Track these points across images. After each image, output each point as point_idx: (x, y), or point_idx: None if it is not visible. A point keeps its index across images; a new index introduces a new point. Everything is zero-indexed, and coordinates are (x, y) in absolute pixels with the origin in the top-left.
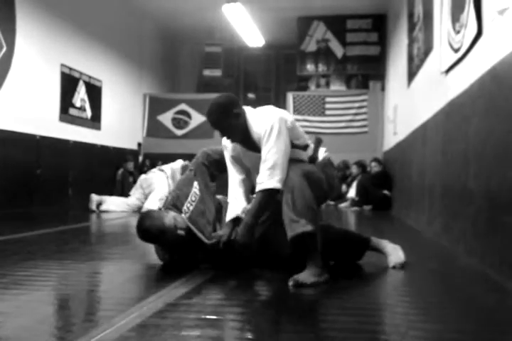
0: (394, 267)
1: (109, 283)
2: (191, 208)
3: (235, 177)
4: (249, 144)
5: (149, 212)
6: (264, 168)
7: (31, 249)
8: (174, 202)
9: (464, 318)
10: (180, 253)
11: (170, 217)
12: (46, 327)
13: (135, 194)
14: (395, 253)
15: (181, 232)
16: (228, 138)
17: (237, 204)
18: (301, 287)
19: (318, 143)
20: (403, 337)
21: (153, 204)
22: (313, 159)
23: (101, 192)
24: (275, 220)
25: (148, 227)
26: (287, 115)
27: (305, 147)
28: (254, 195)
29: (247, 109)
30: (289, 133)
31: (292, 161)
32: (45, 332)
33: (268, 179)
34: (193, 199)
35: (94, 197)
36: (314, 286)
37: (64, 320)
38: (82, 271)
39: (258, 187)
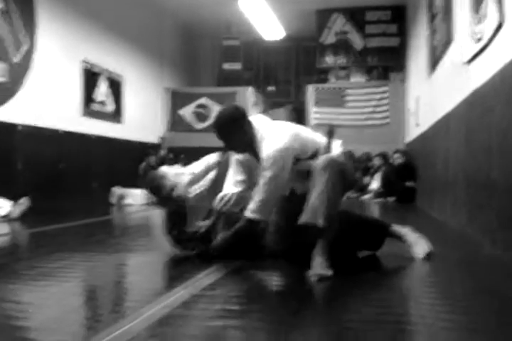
0: (423, 259)
1: (135, 275)
2: (197, 191)
3: (232, 178)
4: (254, 153)
5: (159, 171)
6: (255, 197)
7: (58, 242)
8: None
9: (490, 309)
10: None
11: (172, 182)
12: (75, 318)
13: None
14: (420, 243)
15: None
16: (231, 149)
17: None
18: (322, 280)
19: (331, 134)
20: (430, 328)
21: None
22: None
23: (123, 186)
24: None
25: (151, 178)
26: (296, 132)
27: (315, 153)
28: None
29: (259, 120)
30: (296, 151)
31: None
32: (73, 322)
33: (252, 210)
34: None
35: (117, 191)
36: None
37: (92, 311)
38: (108, 263)
39: (245, 213)
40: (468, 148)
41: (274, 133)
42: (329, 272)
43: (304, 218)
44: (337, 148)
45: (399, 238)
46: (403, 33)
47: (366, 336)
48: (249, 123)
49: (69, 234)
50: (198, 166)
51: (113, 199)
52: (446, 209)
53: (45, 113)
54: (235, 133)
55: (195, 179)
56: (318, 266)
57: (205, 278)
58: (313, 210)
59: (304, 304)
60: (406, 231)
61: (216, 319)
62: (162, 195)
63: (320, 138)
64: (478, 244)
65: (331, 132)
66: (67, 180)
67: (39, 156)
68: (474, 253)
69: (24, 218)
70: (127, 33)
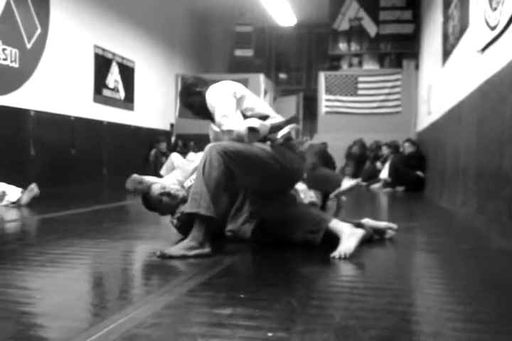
0: (333, 257)
1: (142, 262)
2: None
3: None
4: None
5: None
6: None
7: (67, 228)
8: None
9: (497, 301)
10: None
11: (158, 186)
12: (82, 304)
13: (167, 174)
14: (346, 242)
15: (165, 199)
16: (196, 115)
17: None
18: (168, 258)
19: (287, 122)
20: (436, 318)
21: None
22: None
23: (134, 172)
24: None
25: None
26: (235, 86)
27: (261, 118)
28: None
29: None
30: (237, 103)
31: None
32: (80, 308)
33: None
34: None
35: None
36: (182, 258)
37: (99, 297)
38: (116, 250)
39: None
40: (479, 138)
41: (215, 95)
42: (178, 253)
43: (186, 208)
44: (283, 131)
45: (336, 234)
46: (418, 20)
47: (373, 325)
48: (204, 89)
49: (78, 221)
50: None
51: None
52: (455, 199)
53: (57, 99)
54: (191, 98)
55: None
56: (176, 246)
57: (212, 266)
58: (193, 199)
59: (311, 292)
60: (343, 227)
61: (223, 307)
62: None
63: (271, 111)
64: (486, 234)
65: (292, 119)
66: (78, 166)
67: (51, 142)
68: (483, 245)
69: (34, 204)
70: (139, 18)
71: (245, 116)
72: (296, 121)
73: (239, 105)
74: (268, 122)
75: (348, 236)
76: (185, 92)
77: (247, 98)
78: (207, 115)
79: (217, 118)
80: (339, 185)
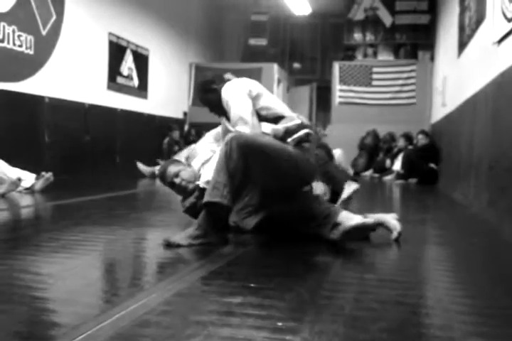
0: (395, 239)
1: (155, 249)
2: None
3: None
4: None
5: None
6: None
7: (80, 215)
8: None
9: (507, 295)
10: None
11: (176, 169)
12: (93, 290)
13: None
14: (391, 221)
15: (177, 180)
16: (212, 111)
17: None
18: (176, 247)
19: (300, 126)
20: (446, 311)
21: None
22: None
23: (147, 160)
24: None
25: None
26: (251, 84)
27: (275, 119)
28: None
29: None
30: (255, 102)
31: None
32: (92, 294)
33: (237, 127)
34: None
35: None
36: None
37: (110, 284)
38: (128, 237)
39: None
40: (494, 130)
41: (231, 93)
42: (185, 242)
43: (207, 196)
44: (297, 135)
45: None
46: (434, 10)
47: (383, 317)
48: (220, 85)
49: (91, 208)
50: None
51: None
52: (468, 192)
53: (71, 86)
54: (207, 95)
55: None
56: (182, 235)
57: (224, 255)
58: (215, 188)
59: (322, 283)
60: (354, 218)
61: (233, 295)
62: (167, 182)
63: (286, 110)
64: (498, 228)
65: (300, 126)
66: (92, 153)
67: (65, 129)
68: (494, 238)
69: (47, 190)
70: (154, 6)
71: (260, 115)
72: (309, 127)
73: (254, 104)
74: (282, 126)
75: (348, 220)
76: (202, 89)
77: (262, 97)
78: (222, 112)
79: (233, 119)
80: (342, 187)
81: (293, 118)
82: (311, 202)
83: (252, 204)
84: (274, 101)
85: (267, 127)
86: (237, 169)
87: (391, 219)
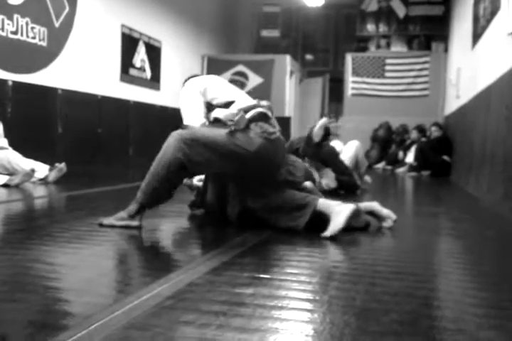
0: (325, 236)
1: (167, 240)
2: None
3: None
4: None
5: None
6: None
7: (93, 205)
8: None
9: None
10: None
11: None
12: (106, 281)
13: None
14: (335, 220)
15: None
16: None
17: None
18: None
19: (251, 107)
20: (457, 304)
21: None
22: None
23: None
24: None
25: None
26: (200, 80)
27: (226, 104)
28: None
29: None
30: (204, 95)
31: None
32: (105, 284)
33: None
34: None
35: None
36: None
37: (123, 274)
38: (141, 228)
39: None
40: (508, 123)
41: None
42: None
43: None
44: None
45: (326, 214)
46: (448, 1)
47: (394, 309)
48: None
49: (104, 199)
50: None
51: None
52: (482, 185)
53: (84, 77)
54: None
55: None
56: (115, 217)
57: (236, 246)
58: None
59: (333, 274)
60: (331, 206)
61: (245, 286)
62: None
63: (239, 95)
64: (511, 222)
65: (253, 106)
66: (105, 145)
67: (78, 121)
68: (507, 232)
69: (61, 181)
70: None
71: (212, 105)
72: (264, 107)
73: (205, 97)
74: (235, 109)
75: (337, 214)
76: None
77: (208, 89)
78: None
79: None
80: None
81: (245, 101)
82: (287, 194)
83: (234, 196)
84: (221, 90)
85: (220, 112)
86: (171, 164)
87: (382, 208)
